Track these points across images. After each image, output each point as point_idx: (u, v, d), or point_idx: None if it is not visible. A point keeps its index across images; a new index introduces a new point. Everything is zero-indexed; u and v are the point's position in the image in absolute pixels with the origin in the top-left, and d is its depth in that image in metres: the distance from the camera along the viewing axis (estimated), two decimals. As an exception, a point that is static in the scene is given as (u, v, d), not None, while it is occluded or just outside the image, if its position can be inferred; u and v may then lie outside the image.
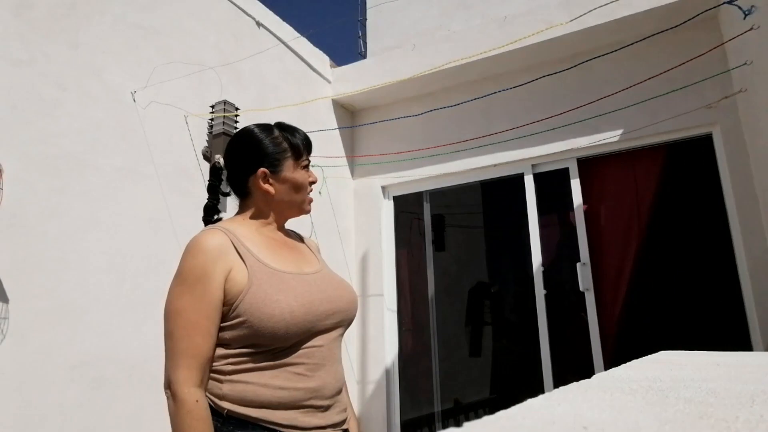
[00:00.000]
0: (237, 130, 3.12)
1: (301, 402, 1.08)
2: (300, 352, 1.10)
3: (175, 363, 1.03)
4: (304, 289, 1.13)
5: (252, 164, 1.22)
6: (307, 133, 1.33)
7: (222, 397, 1.05)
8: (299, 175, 1.25)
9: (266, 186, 1.22)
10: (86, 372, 2.27)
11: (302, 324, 1.09)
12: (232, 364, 1.07)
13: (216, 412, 1.05)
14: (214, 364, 1.08)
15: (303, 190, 1.27)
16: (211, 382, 1.08)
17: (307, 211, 1.31)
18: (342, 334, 1.23)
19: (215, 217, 1.33)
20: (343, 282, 1.28)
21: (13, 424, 2.01)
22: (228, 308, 1.07)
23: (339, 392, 1.17)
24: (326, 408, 1.12)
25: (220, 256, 1.08)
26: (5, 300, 2.05)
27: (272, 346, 1.07)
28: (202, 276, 1.06)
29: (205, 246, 1.09)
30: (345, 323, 1.21)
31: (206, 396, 1.06)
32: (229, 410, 1.05)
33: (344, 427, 1.19)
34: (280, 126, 1.28)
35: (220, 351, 1.08)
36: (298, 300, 1.09)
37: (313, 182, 1.29)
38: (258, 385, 1.06)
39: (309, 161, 1.29)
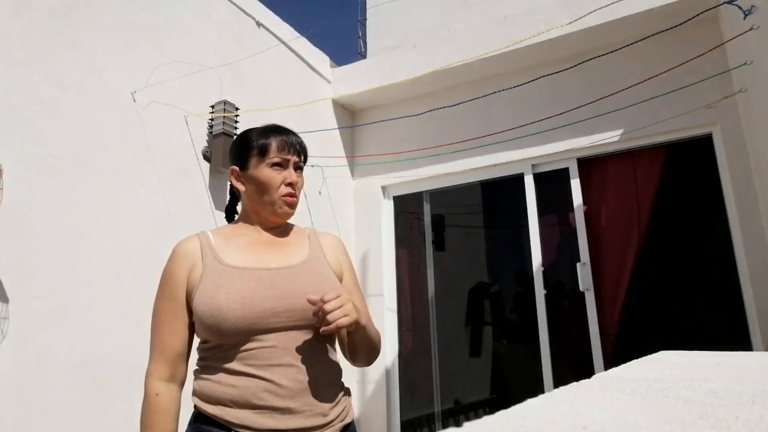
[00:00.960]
0: (237, 130, 3.13)
1: (253, 401, 1.05)
2: (247, 351, 1.08)
3: (149, 357, 1.15)
4: (244, 284, 1.10)
5: (230, 163, 1.29)
6: (304, 134, 1.34)
7: (194, 393, 1.13)
8: (263, 173, 1.21)
9: (238, 184, 1.26)
10: (86, 372, 2.27)
11: (235, 321, 1.07)
12: (201, 359, 1.16)
13: (196, 408, 1.13)
14: (197, 361, 1.17)
15: (271, 190, 1.21)
16: (193, 380, 1.16)
17: (284, 214, 1.23)
18: (314, 334, 1.12)
19: (236, 216, 1.39)
20: (319, 279, 1.17)
21: (13, 424, 2.01)
22: (189, 305, 1.15)
23: (310, 395, 1.08)
24: (286, 411, 1.05)
25: (185, 259, 1.17)
26: (5, 300, 2.05)
27: (220, 342, 1.10)
28: (170, 278, 1.16)
29: (176, 251, 1.19)
30: (307, 322, 1.11)
31: (179, 390, 1.14)
32: (196, 405, 1.12)
33: None
34: (264, 127, 1.28)
35: (199, 348, 1.18)
36: (231, 296, 1.08)
37: (290, 183, 1.22)
38: (214, 381, 1.10)
39: (283, 160, 1.22)
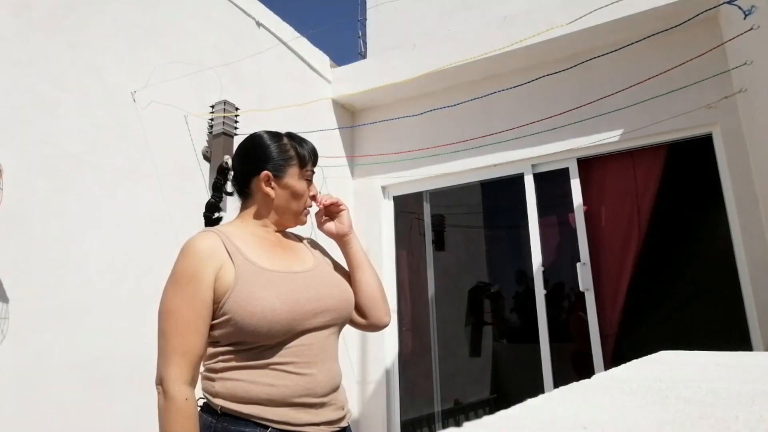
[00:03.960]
0: (237, 130, 3.13)
1: (292, 399, 1.09)
2: (288, 350, 1.11)
3: (166, 360, 1.06)
4: (289, 287, 1.14)
5: (257, 166, 1.26)
6: (305, 134, 1.35)
7: (215, 395, 1.10)
8: (300, 185, 1.28)
9: (267, 189, 1.25)
10: (86, 372, 2.27)
11: (285, 322, 1.10)
12: (222, 361, 1.11)
13: (211, 409, 1.10)
14: (208, 362, 1.13)
15: (301, 200, 1.29)
16: (205, 381, 1.13)
17: (303, 222, 1.33)
18: (337, 333, 1.23)
19: (216, 214, 1.37)
20: (338, 280, 1.28)
21: (13, 424, 2.01)
22: (217, 306, 1.10)
23: (335, 390, 1.17)
24: (319, 405, 1.12)
25: (210, 257, 1.12)
26: (5, 300, 2.05)
27: (258, 343, 1.10)
28: (193, 277, 1.10)
29: (197, 248, 1.13)
30: (337, 321, 1.22)
31: (201, 394, 1.11)
32: (222, 407, 1.08)
33: (342, 425, 1.18)
34: (290, 135, 1.31)
35: (212, 349, 1.13)
36: (282, 298, 1.10)
37: (314, 197, 1.32)
38: (247, 382, 1.08)
39: (312, 173, 1.31)
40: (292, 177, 1.27)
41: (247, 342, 1.10)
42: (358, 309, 1.33)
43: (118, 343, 2.40)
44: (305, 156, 1.29)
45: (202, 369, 1.15)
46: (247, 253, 1.16)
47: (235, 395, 1.08)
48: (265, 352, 1.10)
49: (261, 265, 1.15)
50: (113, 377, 2.36)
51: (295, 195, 1.27)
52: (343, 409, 1.20)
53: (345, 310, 1.24)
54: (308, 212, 1.33)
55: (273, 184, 1.26)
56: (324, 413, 1.13)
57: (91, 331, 2.32)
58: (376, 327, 1.35)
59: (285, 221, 1.30)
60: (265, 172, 1.25)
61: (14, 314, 2.07)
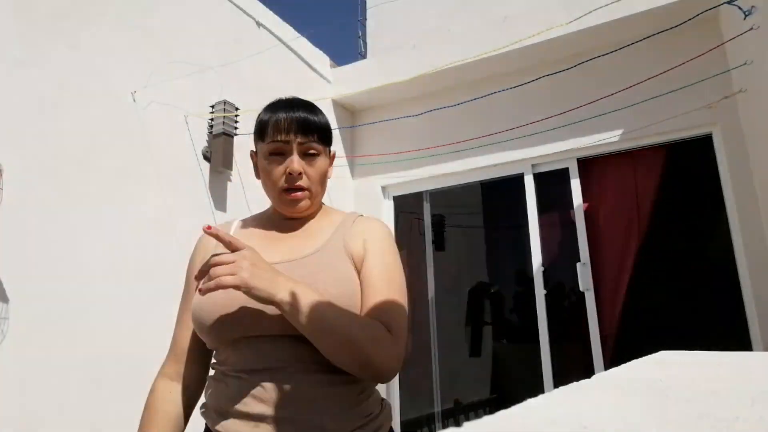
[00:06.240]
0: (237, 130, 3.13)
1: (226, 409, 0.91)
2: (232, 355, 0.94)
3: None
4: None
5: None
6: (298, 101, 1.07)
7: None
8: (262, 164, 1.04)
9: (256, 172, 1.11)
10: (86, 372, 2.27)
11: (210, 323, 0.93)
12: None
13: None
14: None
15: (270, 185, 1.03)
16: None
17: (292, 212, 1.05)
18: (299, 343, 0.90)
19: None
20: (324, 272, 0.95)
21: (13, 424, 2.01)
22: None
23: (302, 408, 0.88)
24: (260, 419, 0.88)
25: (199, 251, 1.10)
26: (5, 300, 2.05)
27: (210, 345, 0.99)
28: (188, 271, 1.10)
29: (196, 243, 1.12)
30: (289, 332, 0.89)
31: (181, 393, 1.03)
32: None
33: None
34: (273, 102, 1.09)
35: None
36: (210, 295, 0.91)
37: (290, 173, 1.01)
38: (209, 389, 1.00)
39: (281, 144, 1.01)
40: (262, 154, 1.04)
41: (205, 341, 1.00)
42: None
43: (118, 343, 2.40)
44: (264, 123, 1.02)
45: None
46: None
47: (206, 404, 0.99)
48: (218, 355, 0.99)
49: None
50: (113, 377, 2.36)
51: (266, 176, 1.04)
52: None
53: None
54: (294, 198, 1.02)
55: (257, 164, 1.08)
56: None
57: (91, 331, 2.32)
58: (375, 380, 0.94)
59: (278, 208, 1.07)
60: (251, 150, 1.12)
61: (14, 314, 2.07)
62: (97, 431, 2.27)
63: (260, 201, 3.77)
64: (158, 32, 2.90)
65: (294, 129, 1.00)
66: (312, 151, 1.03)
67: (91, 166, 2.45)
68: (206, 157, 3.04)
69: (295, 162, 1.01)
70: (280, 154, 1.02)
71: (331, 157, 1.12)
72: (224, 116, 3.03)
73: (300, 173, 1.01)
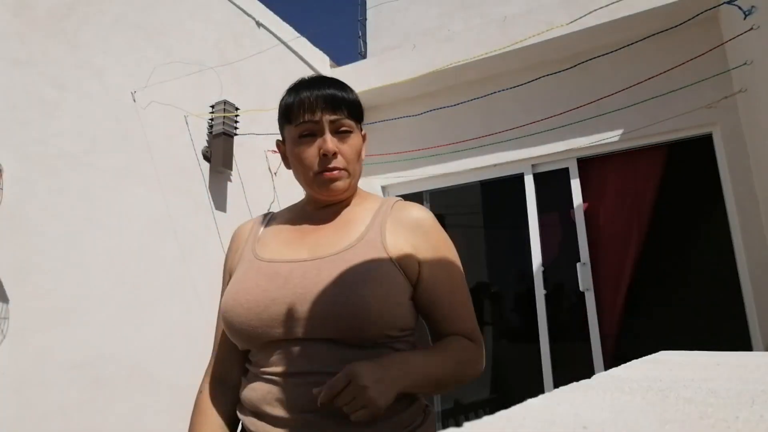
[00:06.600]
0: (237, 130, 3.13)
1: (258, 410, 0.88)
2: (264, 358, 0.90)
3: None
4: (255, 283, 0.90)
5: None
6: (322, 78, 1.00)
7: None
8: (292, 147, 0.97)
9: (285, 161, 1.04)
10: (86, 372, 2.27)
11: (239, 326, 0.89)
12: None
13: None
14: None
15: (304, 164, 0.95)
16: None
17: (329, 195, 0.97)
18: (340, 347, 0.86)
19: None
20: (356, 272, 0.87)
21: (13, 424, 2.01)
22: None
23: (332, 416, 0.83)
24: (287, 423, 0.85)
25: (230, 248, 1.06)
26: (5, 300, 2.05)
27: (241, 347, 0.95)
28: (224, 266, 1.05)
29: (232, 236, 1.07)
30: (325, 331, 0.85)
31: (230, 394, 0.99)
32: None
33: None
34: (295, 83, 1.02)
35: None
36: (237, 297, 0.90)
37: (324, 153, 0.94)
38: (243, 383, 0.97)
39: (311, 125, 0.94)
40: (290, 139, 0.97)
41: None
42: None
43: (118, 343, 2.40)
44: (290, 105, 0.95)
45: None
46: (264, 237, 0.99)
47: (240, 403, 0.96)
48: (252, 356, 0.95)
49: (255, 254, 0.96)
50: (113, 377, 2.36)
51: (298, 161, 0.96)
52: None
53: (332, 318, 0.84)
54: (326, 178, 0.95)
55: (286, 153, 1.01)
56: None
57: (91, 331, 2.32)
58: None
59: (313, 195, 1.00)
60: (276, 140, 1.05)
61: (14, 314, 2.07)
62: (97, 431, 2.27)
63: (260, 201, 3.76)
64: (158, 32, 2.90)
65: (323, 106, 0.93)
66: (344, 128, 0.97)
67: (91, 166, 2.45)
68: (206, 157, 3.04)
69: (329, 141, 0.93)
70: (311, 135, 0.94)
71: (364, 136, 1.06)
72: (224, 116, 3.03)
73: (335, 153, 0.95)
